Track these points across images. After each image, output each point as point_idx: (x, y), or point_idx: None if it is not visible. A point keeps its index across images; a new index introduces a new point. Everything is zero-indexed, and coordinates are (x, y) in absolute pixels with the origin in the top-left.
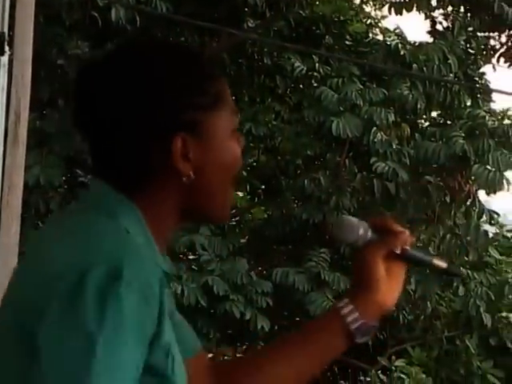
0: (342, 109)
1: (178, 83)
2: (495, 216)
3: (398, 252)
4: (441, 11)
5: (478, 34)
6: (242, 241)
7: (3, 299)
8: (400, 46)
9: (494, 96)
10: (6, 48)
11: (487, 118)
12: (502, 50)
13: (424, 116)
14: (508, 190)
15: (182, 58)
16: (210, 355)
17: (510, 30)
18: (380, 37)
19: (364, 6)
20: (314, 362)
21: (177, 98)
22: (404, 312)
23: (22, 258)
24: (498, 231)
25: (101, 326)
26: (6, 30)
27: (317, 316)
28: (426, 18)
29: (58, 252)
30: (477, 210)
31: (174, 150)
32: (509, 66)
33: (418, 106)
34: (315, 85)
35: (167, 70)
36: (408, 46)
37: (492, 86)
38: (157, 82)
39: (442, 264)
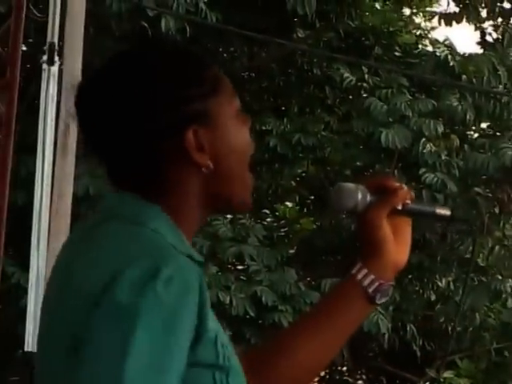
0: (390, 120)
1: (175, 78)
2: None
3: (400, 208)
4: (490, 22)
5: None
6: (291, 251)
7: (45, 316)
8: (449, 57)
9: None
10: (56, 58)
11: None
12: None
13: (473, 127)
14: None
15: (174, 53)
16: None
17: None
18: (429, 48)
19: (414, 17)
20: (339, 332)
21: (178, 93)
22: (452, 323)
23: (54, 272)
24: None
25: (137, 325)
26: (56, 40)
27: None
28: (476, 29)
29: (90, 264)
30: None
31: (188, 144)
32: None
33: (467, 117)
34: (364, 95)
35: (162, 68)
36: (457, 58)
37: None
38: (155, 82)
39: (446, 212)
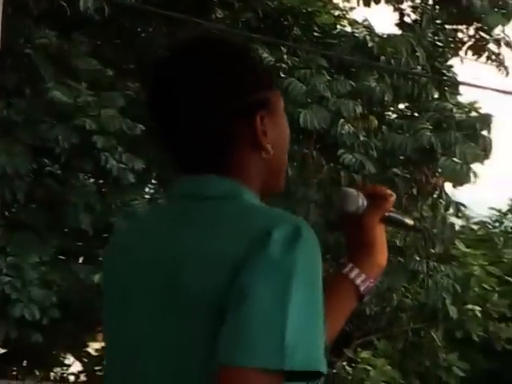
0: (309, 100)
1: (247, 67)
2: (462, 208)
3: (387, 214)
4: (409, 3)
5: (446, 26)
6: None
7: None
8: (368, 38)
9: (462, 89)
10: None
11: (454, 110)
12: (470, 43)
13: (391, 108)
14: (474, 182)
15: (243, 47)
16: None
17: (477, 23)
18: (348, 29)
19: None
20: (332, 328)
21: (253, 80)
22: (370, 304)
23: (146, 265)
24: (464, 224)
25: (294, 277)
26: None
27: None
28: (395, 10)
29: (221, 236)
30: (443, 202)
31: (257, 127)
32: (476, 59)
33: (386, 98)
34: (283, 76)
35: (237, 59)
36: (376, 38)
37: (459, 78)
38: (234, 69)
39: (410, 222)
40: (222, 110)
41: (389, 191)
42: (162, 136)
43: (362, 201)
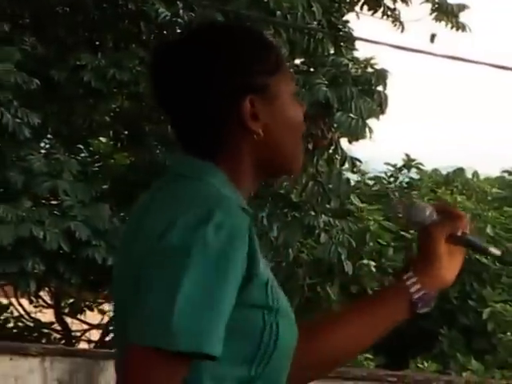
0: None
1: (245, 52)
2: (357, 164)
3: (459, 234)
4: None
5: None
6: (105, 186)
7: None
8: None
9: (358, 44)
10: None
11: (350, 65)
12: None
13: (287, 63)
14: (370, 137)
15: (246, 33)
16: (71, 300)
17: None
18: None
19: None
20: (375, 330)
21: (244, 65)
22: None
23: (128, 226)
24: (360, 179)
25: (186, 264)
26: None
27: None
28: None
29: (155, 216)
30: (339, 157)
31: (244, 110)
32: (372, 14)
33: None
34: (179, 31)
35: (235, 43)
36: None
37: (355, 33)
38: (228, 53)
39: (497, 252)
40: (209, 92)
41: (462, 212)
42: (163, 110)
43: (429, 213)
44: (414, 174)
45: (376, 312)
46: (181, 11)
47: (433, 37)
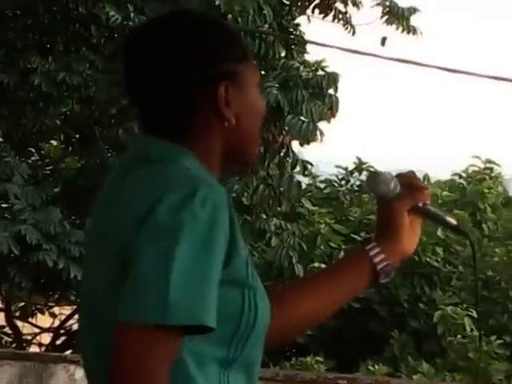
0: None
1: (217, 39)
2: (309, 167)
3: (421, 205)
4: None
5: None
6: (56, 190)
7: (93, 234)
8: None
9: (309, 47)
10: None
11: (301, 69)
12: (317, 2)
13: None
14: (321, 140)
15: (213, 20)
16: (22, 304)
17: None
18: None
19: None
20: (340, 297)
21: (218, 51)
22: None
23: (99, 205)
24: (311, 182)
25: (177, 237)
26: None
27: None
28: None
29: (132, 197)
30: (290, 160)
31: (219, 97)
32: (323, 18)
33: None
34: None
35: (207, 30)
36: None
37: (306, 37)
38: (202, 39)
39: (453, 221)
40: (184, 78)
41: (424, 185)
42: (131, 97)
43: (393, 185)
44: (365, 177)
45: (341, 280)
46: (132, 14)
47: (384, 40)
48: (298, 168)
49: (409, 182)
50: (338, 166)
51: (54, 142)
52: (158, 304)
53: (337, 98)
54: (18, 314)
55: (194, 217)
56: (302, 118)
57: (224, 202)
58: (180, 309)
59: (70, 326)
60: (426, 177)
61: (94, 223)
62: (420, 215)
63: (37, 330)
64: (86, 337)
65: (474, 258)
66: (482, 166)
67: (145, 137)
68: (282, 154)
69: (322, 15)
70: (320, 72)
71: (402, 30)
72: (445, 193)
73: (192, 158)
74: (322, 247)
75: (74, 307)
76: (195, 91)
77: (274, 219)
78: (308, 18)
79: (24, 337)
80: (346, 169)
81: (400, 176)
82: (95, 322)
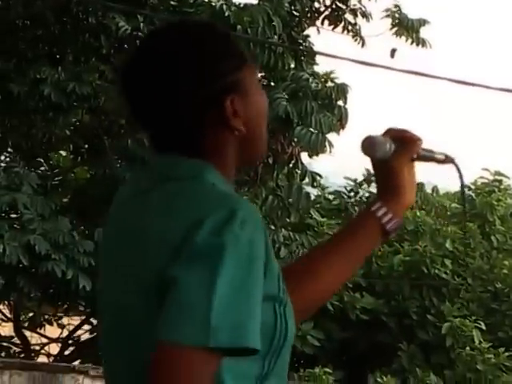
0: None
1: (216, 52)
2: (317, 178)
3: (415, 156)
4: None
5: None
6: (65, 200)
7: (112, 248)
8: (225, 7)
9: (318, 59)
10: None
11: (310, 80)
12: (327, 13)
13: None
14: (330, 152)
15: (210, 31)
16: (31, 314)
17: None
18: None
19: None
20: (355, 264)
21: (219, 66)
22: None
23: (115, 221)
24: (319, 193)
25: (221, 259)
26: None
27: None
28: None
29: (165, 220)
30: (299, 171)
31: (227, 109)
32: (333, 29)
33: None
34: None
35: (206, 45)
36: (233, 8)
37: (316, 48)
38: (201, 57)
39: (441, 157)
40: (189, 100)
41: (416, 135)
42: (136, 119)
43: (389, 146)
44: (374, 188)
45: (356, 246)
46: (141, 25)
47: (393, 52)
48: (306, 179)
49: (401, 136)
50: (346, 178)
51: (64, 152)
52: (202, 326)
53: (346, 109)
54: (26, 324)
55: (236, 238)
56: (311, 130)
57: (260, 220)
58: (224, 331)
59: (79, 336)
60: (435, 188)
61: (112, 238)
62: (416, 161)
63: (45, 341)
64: (110, 346)
65: (462, 186)
66: (491, 178)
67: (162, 155)
68: (291, 165)
69: (332, 26)
70: (329, 83)
71: (412, 42)
72: (454, 204)
73: (214, 172)
74: None
75: (83, 317)
76: (202, 109)
77: (283, 230)
78: (317, 30)
79: (32, 347)
80: (354, 180)
81: (391, 132)
82: (120, 335)
